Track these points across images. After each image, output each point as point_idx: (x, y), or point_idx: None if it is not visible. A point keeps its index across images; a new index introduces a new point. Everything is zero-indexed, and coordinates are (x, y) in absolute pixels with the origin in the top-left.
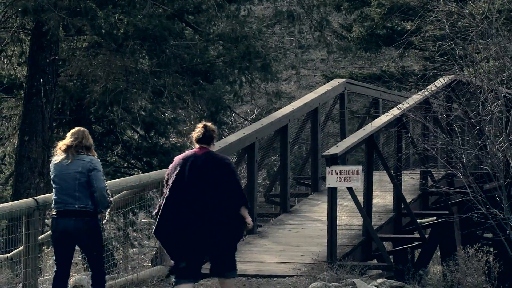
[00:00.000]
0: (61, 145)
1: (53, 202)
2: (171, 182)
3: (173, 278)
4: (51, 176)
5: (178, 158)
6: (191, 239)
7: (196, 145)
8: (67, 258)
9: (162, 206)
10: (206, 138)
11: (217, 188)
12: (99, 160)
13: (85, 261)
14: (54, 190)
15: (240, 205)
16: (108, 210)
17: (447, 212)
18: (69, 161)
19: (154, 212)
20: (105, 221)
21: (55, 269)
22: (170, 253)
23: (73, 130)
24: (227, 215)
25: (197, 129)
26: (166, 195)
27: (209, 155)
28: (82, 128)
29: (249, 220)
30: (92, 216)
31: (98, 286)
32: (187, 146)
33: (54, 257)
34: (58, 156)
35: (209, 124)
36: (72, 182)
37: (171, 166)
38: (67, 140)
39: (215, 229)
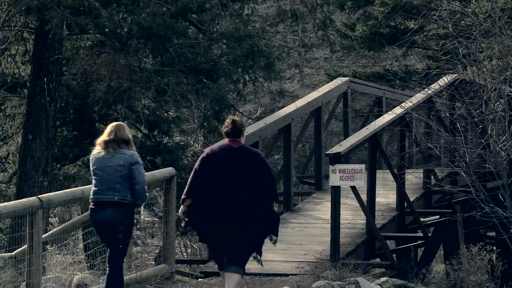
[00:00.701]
0: (100, 141)
1: (91, 193)
2: (206, 171)
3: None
4: (92, 169)
5: (214, 148)
6: (226, 228)
7: (227, 139)
8: (109, 240)
9: (198, 195)
10: (236, 132)
11: (253, 180)
12: (138, 155)
13: (89, 260)
14: (94, 181)
15: (273, 200)
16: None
17: (450, 210)
18: (111, 155)
19: (183, 197)
20: (141, 217)
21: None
22: (207, 240)
23: (111, 125)
24: (259, 209)
25: (225, 124)
26: (203, 183)
27: (244, 148)
28: (119, 122)
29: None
30: (129, 208)
31: (114, 278)
32: (191, 144)
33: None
34: (98, 150)
35: (237, 118)
36: (113, 175)
37: (206, 155)
38: (106, 135)
39: (246, 222)
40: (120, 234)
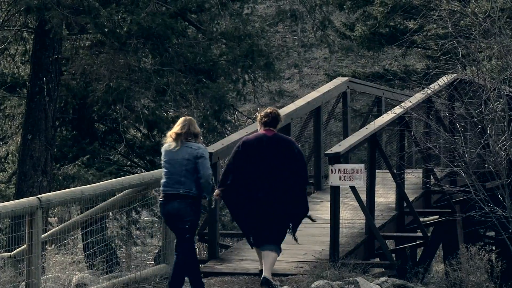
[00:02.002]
0: (171, 133)
1: (161, 185)
2: (241, 159)
3: None
4: (162, 161)
5: (250, 137)
6: (262, 212)
7: (262, 128)
8: (176, 231)
9: (237, 182)
10: (273, 122)
11: (286, 167)
12: (206, 148)
13: (88, 259)
14: (163, 174)
15: (304, 185)
16: (211, 194)
17: (450, 210)
18: (178, 148)
19: (219, 183)
20: (213, 206)
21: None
22: (242, 223)
23: (182, 118)
24: (292, 194)
25: (264, 114)
26: (240, 171)
27: (279, 136)
28: (189, 117)
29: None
30: (194, 200)
31: (180, 267)
32: None
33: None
34: (168, 142)
35: (275, 109)
36: (179, 168)
37: (242, 144)
38: (176, 128)
39: (279, 205)
40: (186, 224)
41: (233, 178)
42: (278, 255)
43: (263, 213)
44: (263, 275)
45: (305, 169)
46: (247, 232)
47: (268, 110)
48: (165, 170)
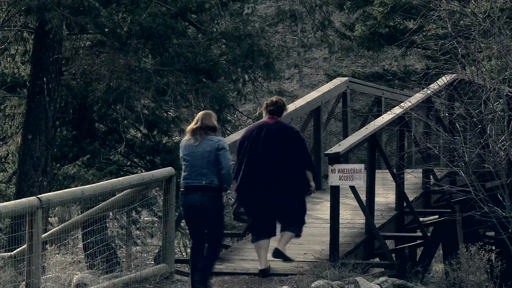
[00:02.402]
0: (189, 129)
1: (182, 179)
2: (246, 148)
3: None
4: (181, 155)
5: (251, 126)
6: (264, 199)
7: (266, 116)
8: (198, 229)
9: (242, 170)
10: (278, 111)
11: (288, 153)
12: (225, 140)
13: (89, 259)
14: (183, 167)
15: (308, 169)
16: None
17: (450, 210)
18: (198, 142)
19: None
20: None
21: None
22: (248, 211)
23: (200, 113)
24: (295, 177)
25: (269, 102)
26: (244, 159)
27: (280, 124)
28: (207, 111)
29: (312, 183)
30: (216, 191)
31: (211, 256)
32: None
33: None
34: (187, 137)
35: (280, 98)
36: (200, 161)
37: (244, 134)
38: (193, 124)
39: (285, 190)
40: (213, 219)
41: (240, 169)
42: (297, 236)
43: (272, 200)
44: (275, 247)
45: (307, 154)
46: (260, 221)
47: (274, 99)
48: (185, 163)
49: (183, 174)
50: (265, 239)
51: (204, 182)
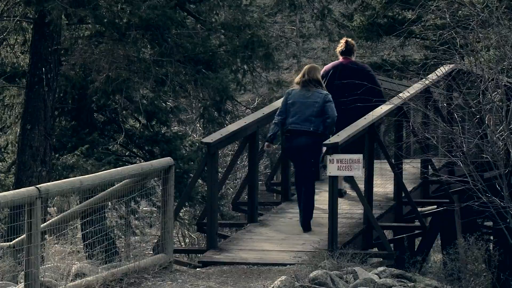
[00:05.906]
0: (298, 80)
1: (287, 123)
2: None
3: None
4: (288, 102)
5: (328, 66)
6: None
7: (340, 57)
8: (302, 170)
9: None
10: (348, 51)
11: (359, 86)
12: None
13: (88, 249)
14: (291, 113)
15: (379, 96)
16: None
17: (448, 200)
18: (310, 93)
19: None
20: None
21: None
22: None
23: (306, 66)
24: (368, 108)
25: (340, 44)
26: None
27: (353, 62)
28: (312, 65)
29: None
30: (319, 137)
31: (310, 194)
32: (189, 134)
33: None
34: (297, 88)
35: (349, 39)
36: (311, 109)
37: (322, 73)
38: (301, 76)
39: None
40: (312, 159)
41: None
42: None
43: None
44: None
45: (377, 85)
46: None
47: (343, 41)
48: (293, 108)
49: (290, 119)
50: None
51: (312, 128)
